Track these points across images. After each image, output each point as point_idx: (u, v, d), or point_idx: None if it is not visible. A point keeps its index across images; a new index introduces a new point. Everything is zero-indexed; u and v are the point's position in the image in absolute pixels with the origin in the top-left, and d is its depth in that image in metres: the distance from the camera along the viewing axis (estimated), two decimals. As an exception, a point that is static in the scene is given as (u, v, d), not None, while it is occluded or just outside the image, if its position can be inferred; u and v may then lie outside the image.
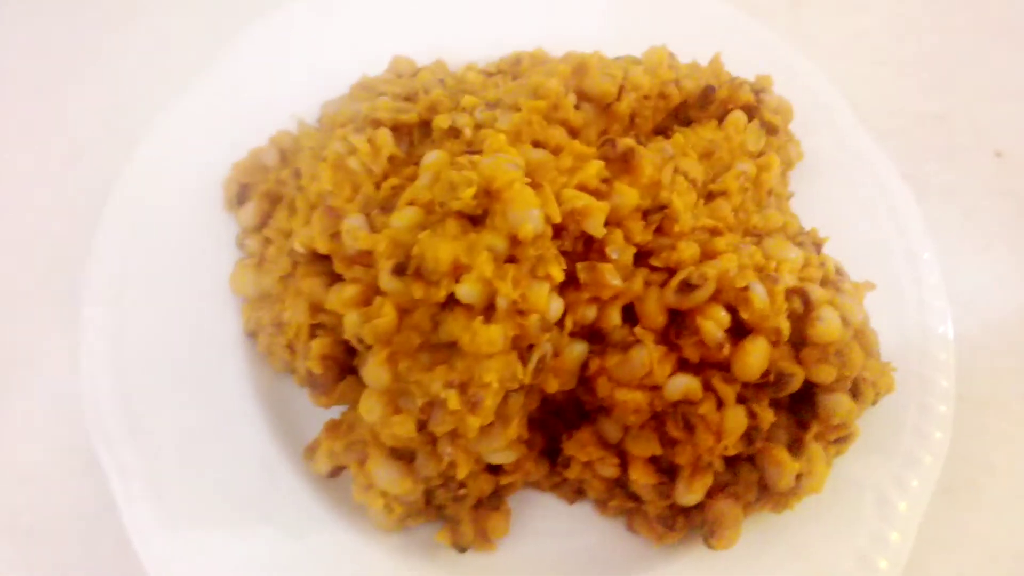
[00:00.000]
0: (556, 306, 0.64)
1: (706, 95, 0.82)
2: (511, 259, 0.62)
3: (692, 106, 0.83)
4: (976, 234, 1.03)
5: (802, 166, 0.93)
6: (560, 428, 0.75)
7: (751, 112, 0.84)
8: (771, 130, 0.84)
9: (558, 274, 0.63)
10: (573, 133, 0.76)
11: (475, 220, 0.63)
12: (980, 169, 1.09)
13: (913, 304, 0.86)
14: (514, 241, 0.62)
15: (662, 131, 0.83)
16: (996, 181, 1.07)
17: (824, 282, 0.72)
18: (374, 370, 0.63)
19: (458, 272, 0.61)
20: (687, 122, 0.84)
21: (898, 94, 1.16)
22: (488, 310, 0.61)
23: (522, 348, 0.63)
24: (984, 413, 0.89)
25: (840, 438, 0.73)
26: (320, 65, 0.98)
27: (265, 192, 0.83)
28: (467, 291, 0.61)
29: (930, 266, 0.88)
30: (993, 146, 1.11)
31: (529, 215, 0.61)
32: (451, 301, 0.62)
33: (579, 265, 0.67)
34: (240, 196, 0.85)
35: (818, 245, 0.79)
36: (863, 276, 0.78)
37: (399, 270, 0.62)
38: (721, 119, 0.83)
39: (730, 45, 0.92)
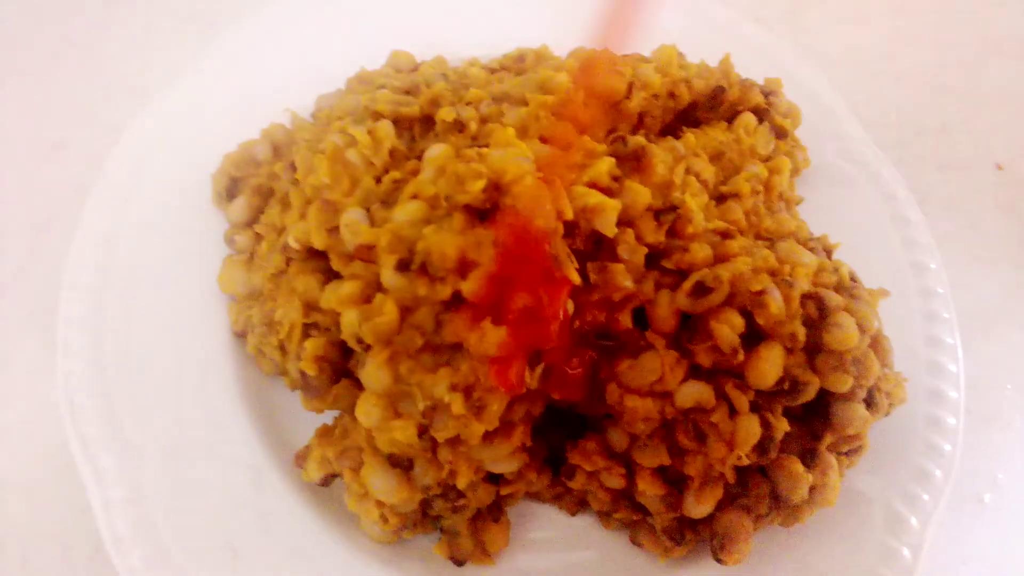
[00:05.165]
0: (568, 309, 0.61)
1: (716, 96, 0.80)
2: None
3: (701, 107, 0.81)
4: (979, 246, 1.02)
5: (807, 174, 0.92)
6: (562, 436, 0.72)
7: (761, 115, 0.82)
8: (780, 134, 0.82)
9: (575, 276, 0.60)
10: (581, 131, 0.73)
11: (482, 215, 0.61)
12: (981, 182, 1.08)
13: (920, 314, 0.84)
14: (524, 236, 0.59)
15: (670, 132, 0.80)
16: (997, 194, 1.07)
17: (838, 288, 0.70)
18: (374, 372, 0.60)
19: (464, 269, 0.58)
20: (695, 123, 0.82)
21: (897, 106, 1.15)
22: (496, 309, 0.58)
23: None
24: (989, 427, 0.88)
25: (852, 449, 0.71)
26: (313, 58, 0.95)
27: (256, 186, 0.80)
28: (474, 289, 0.58)
29: (938, 276, 0.86)
30: (993, 158, 1.10)
31: (541, 211, 0.58)
32: (456, 299, 0.59)
33: (590, 265, 0.64)
34: (230, 190, 0.81)
35: (829, 251, 0.77)
36: (869, 286, 0.76)
37: (403, 266, 0.59)
38: (730, 121, 0.81)
39: (731, 49, 0.90)
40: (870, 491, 0.74)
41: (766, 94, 0.83)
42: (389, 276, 0.59)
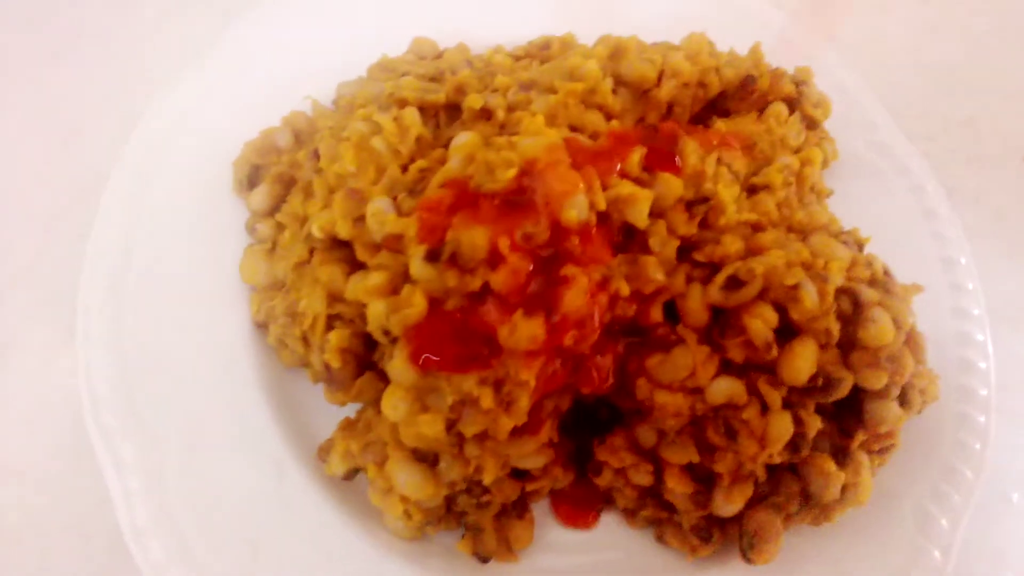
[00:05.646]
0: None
1: (746, 85, 0.78)
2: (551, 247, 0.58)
3: (731, 96, 0.80)
4: (1007, 240, 1.00)
5: (835, 166, 0.90)
6: (589, 432, 0.71)
7: (791, 105, 0.80)
8: (811, 124, 0.81)
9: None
10: (609, 120, 0.72)
11: (513, 205, 0.59)
12: (1008, 174, 1.06)
13: (950, 310, 0.83)
14: (557, 228, 0.57)
15: (699, 121, 0.79)
16: (1025, 186, 1.05)
17: (872, 283, 0.68)
18: (401, 365, 0.59)
19: (495, 260, 0.57)
20: (725, 113, 0.80)
21: (924, 98, 1.13)
22: (527, 302, 0.57)
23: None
24: (1017, 426, 0.86)
25: (883, 448, 0.69)
26: (333, 45, 0.92)
27: (278, 174, 0.78)
28: (504, 281, 0.56)
29: (968, 271, 0.85)
30: (1021, 151, 1.08)
31: (574, 200, 0.57)
32: (485, 291, 0.58)
33: (621, 257, 0.63)
34: (251, 178, 0.80)
35: (860, 245, 0.75)
36: (899, 280, 0.75)
37: (433, 256, 0.57)
38: (761, 111, 0.79)
39: (759, 39, 0.88)
40: (900, 490, 0.73)
41: (797, 84, 0.81)
42: (418, 267, 0.58)
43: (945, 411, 0.76)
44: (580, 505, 0.72)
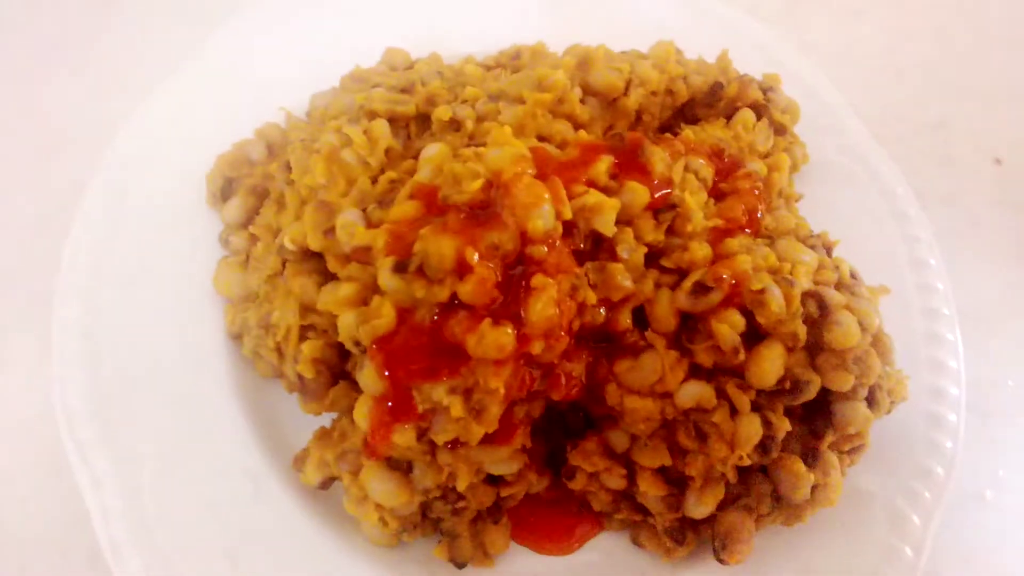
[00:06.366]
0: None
1: (714, 92, 0.79)
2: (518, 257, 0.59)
3: (699, 104, 0.81)
4: (979, 242, 1.01)
5: (806, 170, 0.91)
6: (562, 437, 0.72)
7: (759, 111, 0.81)
8: (779, 130, 0.82)
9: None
10: (578, 129, 0.73)
11: (479, 216, 0.60)
12: (980, 176, 1.08)
13: (920, 311, 0.84)
14: (523, 238, 0.58)
15: (667, 129, 0.80)
16: (996, 188, 1.06)
17: (839, 286, 0.69)
18: (371, 375, 0.59)
19: (463, 270, 0.57)
20: (693, 120, 0.81)
21: (895, 102, 1.14)
22: (495, 311, 0.58)
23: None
24: (990, 424, 0.87)
25: (853, 448, 0.70)
26: (307, 55, 0.93)
27: (251, 187, 0.79)
28: (471, 292, 0.57)
29: (938, 273, 0.86)
30: (992, 153, 1.09)
31: (540, 211, 0.58)
32: (454, 301, 0.59)
33: (588, 265, 0.63)
34: (224, 191, 0.80)
35: (828, 248, 0.77)
36: (869, 282, 0.76)
37: (400, 267, 0.58)
38: (729, 117, 0.80)
39: (731, 45, 0.89)
40: (871, 489, 0.73)
41: (764, 90, 0.82)
42: (386, 278, 0.58)
43: (916, 410, 0.77)
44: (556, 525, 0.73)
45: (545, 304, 0.57)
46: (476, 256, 0.57)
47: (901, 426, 0.76)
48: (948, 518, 0.74)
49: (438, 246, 0.57)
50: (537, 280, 0.57)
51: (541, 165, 0.62)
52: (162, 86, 0.87)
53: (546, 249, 0.59)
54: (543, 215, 0.58)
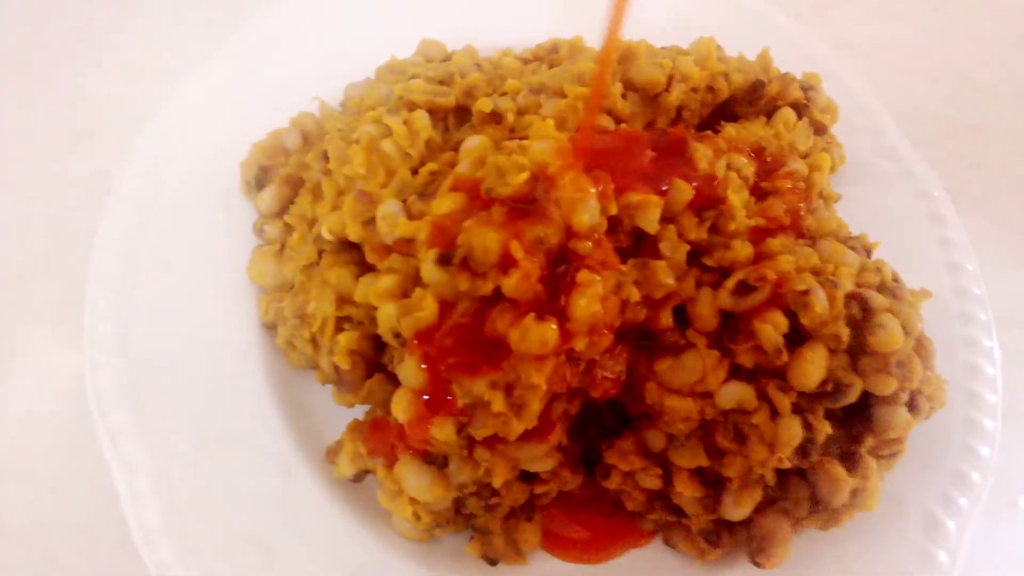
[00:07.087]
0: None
1: (755, 90, 0.78)
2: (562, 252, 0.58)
3: (739, 101, 0.80)
4: (1013, 245, 1.00)
5: (842, 171, 0.90)
6: (598, 436, 0.71)
7: (800, 110, 0.80)
8: (819, 130, 0.81)
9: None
10: (618, 124, 0.72)
11: (524, 210, 0.59)
12: (1014, 179, 1.06)
13: (957, 316, 0.83)
14: (567, 232, 0.57)
15: (707, 127, 0.79)
16: (1032, 192, 1.05)
17: (881, 288, 0.68)
18: (411, 367, 0.59)
19: (507, 264, 0.57)
20: (733, 118, 0.80)
21: (930, 103, 1.13)
22: (539, 306, 0.57)
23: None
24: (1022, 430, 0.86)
25: (891, 453, 0.69)
26: (341, 46, 0.93)
27: (286, 176, 0.78)
28: (516, 286, 0.56)
29: (974, 277, 0.85)
30: (1028, 157, 1.08)
31: (586, 205, 0.57)
32: (497, 295, 0.58)
33: (631, 262, 0.63)
34: (259, 179, 0.80)
35: (868, 250, 0.75)
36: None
37: (444, 260, 0.57)
38: (768, 116, 0.79)
39: (767, 43, 0.88)
40: (907, 495, 0.73)
41: (805, 89, 0.81)
42: (430, 270, 0.57)
43: (953, 416, 0.76)
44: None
45: (590, 300, 0.56)
46: (521, 249, 0.56)
47: (937, 431, 0.75)
48: (982, 524, 0.73)
49: (483, 239, 0.56)
50: (583, 276, 0.57)
51: (583, 153, 0.61)
52: (196, 74, 0.87)
53: (590, 244, 0.58)
54: (589, 209, 0.57)
